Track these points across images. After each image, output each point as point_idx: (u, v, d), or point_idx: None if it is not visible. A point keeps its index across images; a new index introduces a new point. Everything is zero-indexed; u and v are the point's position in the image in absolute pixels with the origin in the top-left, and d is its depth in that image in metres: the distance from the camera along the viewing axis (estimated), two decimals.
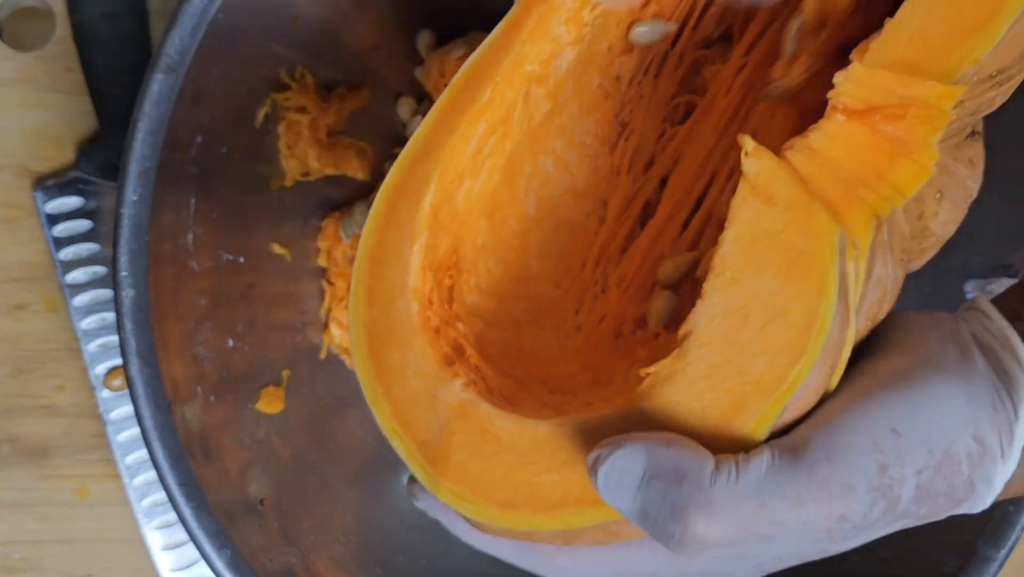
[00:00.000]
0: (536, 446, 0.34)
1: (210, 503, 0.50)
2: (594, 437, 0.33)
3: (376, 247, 0.38)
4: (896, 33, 0.33)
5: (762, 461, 0.32)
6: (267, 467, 0.55)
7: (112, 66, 0.61)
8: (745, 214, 0.34)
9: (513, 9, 0.39)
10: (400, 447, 0.37)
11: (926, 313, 0.37)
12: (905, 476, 0.32)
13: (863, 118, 0.34)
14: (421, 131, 0.38)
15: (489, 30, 0.59)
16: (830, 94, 0.34)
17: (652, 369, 0.34)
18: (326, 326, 0.61)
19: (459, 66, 0.59)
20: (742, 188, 0.34)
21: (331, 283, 0.61)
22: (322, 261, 0.60)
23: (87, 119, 0.62)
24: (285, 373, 0.58)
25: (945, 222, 0.38)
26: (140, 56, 0.61)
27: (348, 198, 0.61)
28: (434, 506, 0.41)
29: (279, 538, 0.54)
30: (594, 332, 0.42)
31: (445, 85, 0.59)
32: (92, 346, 0.62)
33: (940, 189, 0.37)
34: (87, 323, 0.62)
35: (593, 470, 0.32)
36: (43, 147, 0.63)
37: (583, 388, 0.39)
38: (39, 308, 0.63)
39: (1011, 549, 0.50)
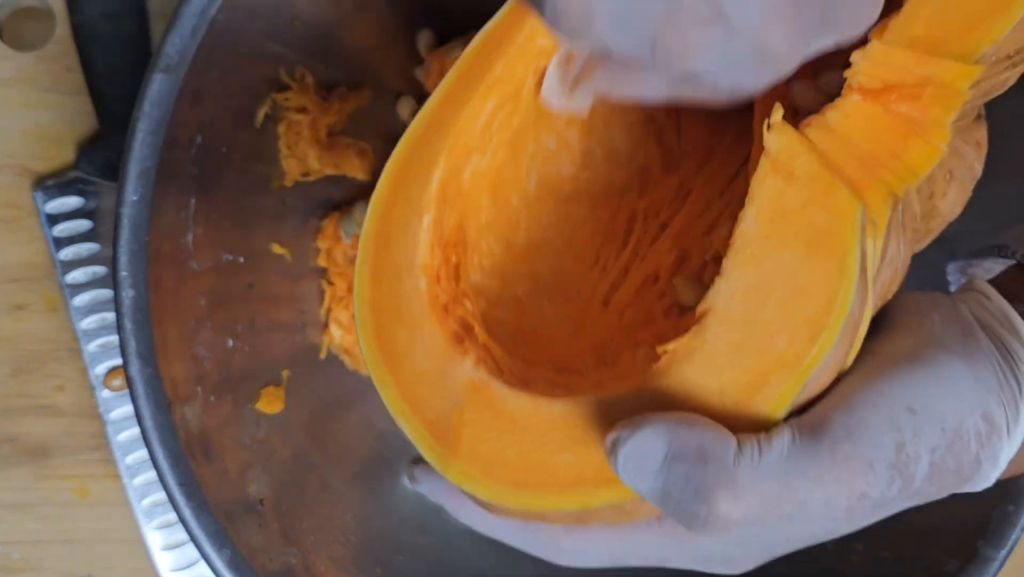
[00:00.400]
0: (551, 425, 0.34)
1: (210, 503, 0.50)
2: (610, 416, 0.33)
3: (382, 224, 0.37)
4: (915, 12, 0.33)
5: (784, 440, 0.32)
6: (267, 467, 0.55)
7: (112, 66, 0.61)
8: (766, 191, 0.33)
9: None
10: (408, 427, 0.36)
11: (925, 293, 0.37)
12: (920, 454, 0.33)
13: (879, 97, 0.34)
14: (429, 106, 0.37)
15: None
16: (847, 73, 0.34)
17: (670, 347, 0.33)
18: (326, 326, 0.61)
19: None
20: (763, 164, 0.33)
21: (331, 283, 0.61)
22: (322, 261, 0.60)
23: (87, 119, 0.62)
24: (285, 373, 0.58)
25: (953, 203, 0.38)
26: (140, 56, 0.61)
27: (348, 198, 0.61)
28: (437, 489, 0.40)
29: (279, 538, 0.54)
30: (598, 311, 0.41)
31: None
32: (92, 346, 0.62)
33: (950, 170, 0.37)
34: (87, 323, 0.62)
35: (612, 451, 0.32)
36: (43, 147, 0.62)
37: (590, 368, 0.39)
38: (39, 308, 0.63)
39: (1011, 549, 0.50)
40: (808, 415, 0.33)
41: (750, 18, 0.28)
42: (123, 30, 0.61)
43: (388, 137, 0.62)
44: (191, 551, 0.62)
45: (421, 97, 0.62)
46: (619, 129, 0.43)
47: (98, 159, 0.62)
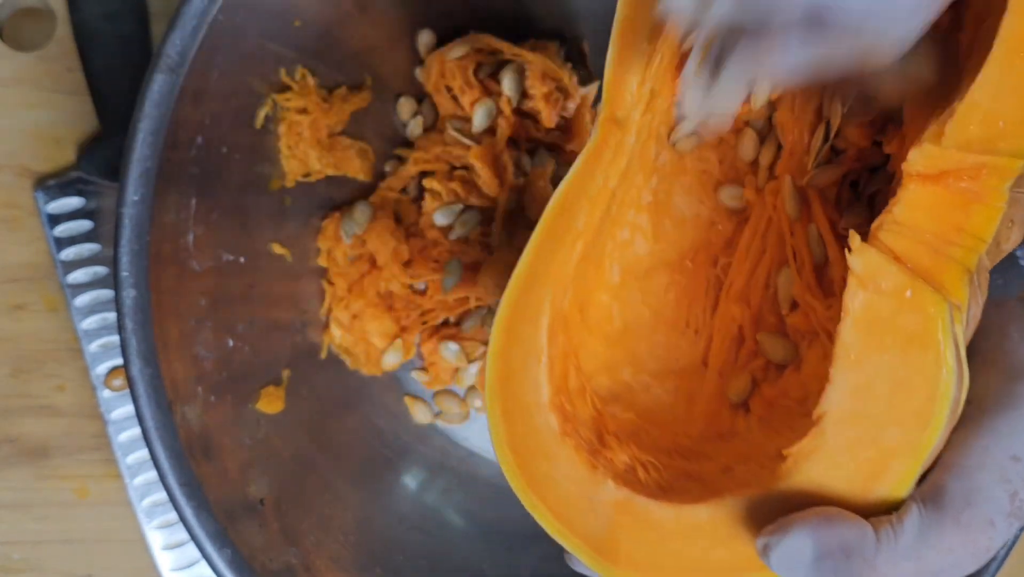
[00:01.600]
0: (697, 529, 0.38)
1: (210, 503, 0.50)
2: (751, 515, 0.37)
3: (502, 369, 0.41)
4: (968, 115, 0.36)
5: (913, 520, 0.36)
6: (267, 467, 0.55)
7: (113, 66, 0.61)
8: (858, 305, 0.37)
9: (592, 138, 0.42)
10: (569, 545, 0.40)
11: (996, 304, 0.39)
12: None
13: (937, 180, 0.37)
14: (525, 261, 0.41)
15: (488, 30, 0.60)
16: (904, 165, 0.37)
17: (793, 449, 0.37)
18: (326, 326, 0.61)
19: (459, 67, 0.59)
20: (851, 282, 0.37)
21: (331, 283, 0.61)
22: (322, 261, 0.60)
23: (88, 119, 0.62)
24: (285, 373, 0.58)
25: (1015, 241, 0.40)
26: (141, 56, 0.61)
27: (349, 198, 0.61)
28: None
29: (279, 538, 0.54)
30: (701, 375, 0.45)
31: (446, 86, 0.60)
32: (93, 346, 0.62)
33: (1011, 219, 0.40)
34: (88, 323, 0.62)
35: (764, 555, 0.36)
36: (44, 147, 0.63)
37: (711, 445, 0.42)
38: (39, 308, 0.63)
39: (1010, 549, 0.50)
40: (927, 486, 0.37)
41: None
42: (124, 30, 0.61)
43: (389, 137, 0.62)
44: (192, 551, 0.62)
45: (421, 97, 0.62)
46: (681, 195, 0.46)
47: (99, 159, 0.62)
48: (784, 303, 0.44)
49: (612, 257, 0.46)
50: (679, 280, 0.46)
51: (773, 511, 0.37)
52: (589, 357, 0.44)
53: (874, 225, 0.38)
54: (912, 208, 0.37)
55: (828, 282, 0.43)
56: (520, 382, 0.41)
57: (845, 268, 0.39)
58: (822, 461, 0.37)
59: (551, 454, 0.40)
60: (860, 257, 0.37)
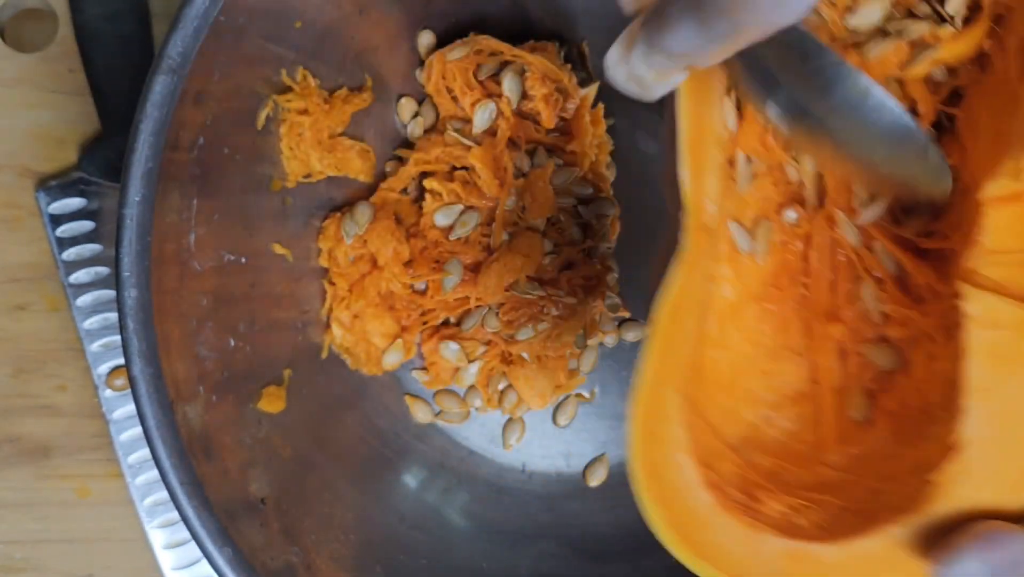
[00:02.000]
0: (867, 561, 0.40)
1: (211, 502, 0.50)
2: (914, 538, 0.40)
3: (647, 464, 0.42)
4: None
5: None
6: (268, 466, 0.55)
7: (114, 67, 0.62)
8: (979, 343, 0.39)
9: (683, 246, 0.41)
10: None
11: None
12: None
13: (1016, 199, 0.38)
14: (648, 366, 0.42)
15: (487, 31, 0.60)
16: (979, 196, 0.39)
17: (939, 476, 0.39)
18: (327, 326, 0.61)
19: (459, 68, 0.59)
20: (968, 326, 0.39)
21: (332, 283, 0.61)
22: (323, 261, 0.61)
23: (89, 120, 0.63)
24: (286, 373, 0.58)
25: None
26: (142, 57, 0.61)
27: (350, 199, 0.61)
28: None
29: (280, 537, 0.54)
30: (819, 398, 0.46)
31: (446, 87, 0.60)
32: (95, 346, 0.62)
33: None
34: (90, 323, 0.62)
35: None
36: (45, 148, 0.63)
37: (852, 471, 0.44)
38: (40, 308, 0.63)
39: None
40: None
41: None
42: (125, 31, 0.61)
43: (389, 138, 0.62)
44: (193, 550, 0.62)
45: (422, 99, 0.62)
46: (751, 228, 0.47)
47: (100, 160, 0.62)
48: (875, 315, 0.45)
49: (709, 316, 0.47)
50: (769, 308, 0.47)
51: (934, 531, 0.39)
52: (714, 413, 0.46)
53: (967, 262, 0.39)
54: (999, 233, 0.39)
55: (913, 287, 0.44)
56: (666, 471, 0.42)
57: (926, 275, 0.42)
58: (971, 483, 0.39)
59: (712, 524, 0.42)
60: (975, 304, 0.39)
